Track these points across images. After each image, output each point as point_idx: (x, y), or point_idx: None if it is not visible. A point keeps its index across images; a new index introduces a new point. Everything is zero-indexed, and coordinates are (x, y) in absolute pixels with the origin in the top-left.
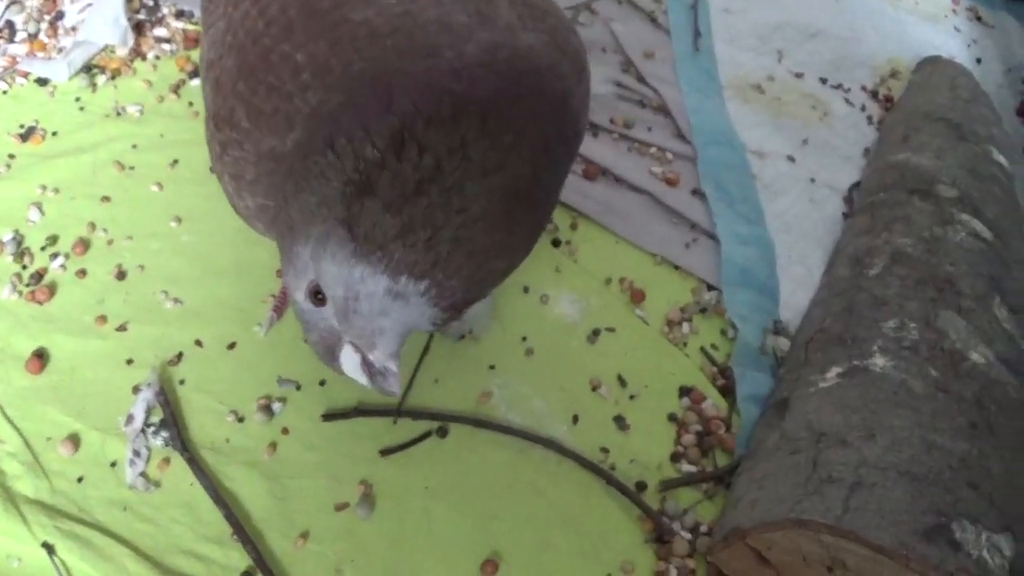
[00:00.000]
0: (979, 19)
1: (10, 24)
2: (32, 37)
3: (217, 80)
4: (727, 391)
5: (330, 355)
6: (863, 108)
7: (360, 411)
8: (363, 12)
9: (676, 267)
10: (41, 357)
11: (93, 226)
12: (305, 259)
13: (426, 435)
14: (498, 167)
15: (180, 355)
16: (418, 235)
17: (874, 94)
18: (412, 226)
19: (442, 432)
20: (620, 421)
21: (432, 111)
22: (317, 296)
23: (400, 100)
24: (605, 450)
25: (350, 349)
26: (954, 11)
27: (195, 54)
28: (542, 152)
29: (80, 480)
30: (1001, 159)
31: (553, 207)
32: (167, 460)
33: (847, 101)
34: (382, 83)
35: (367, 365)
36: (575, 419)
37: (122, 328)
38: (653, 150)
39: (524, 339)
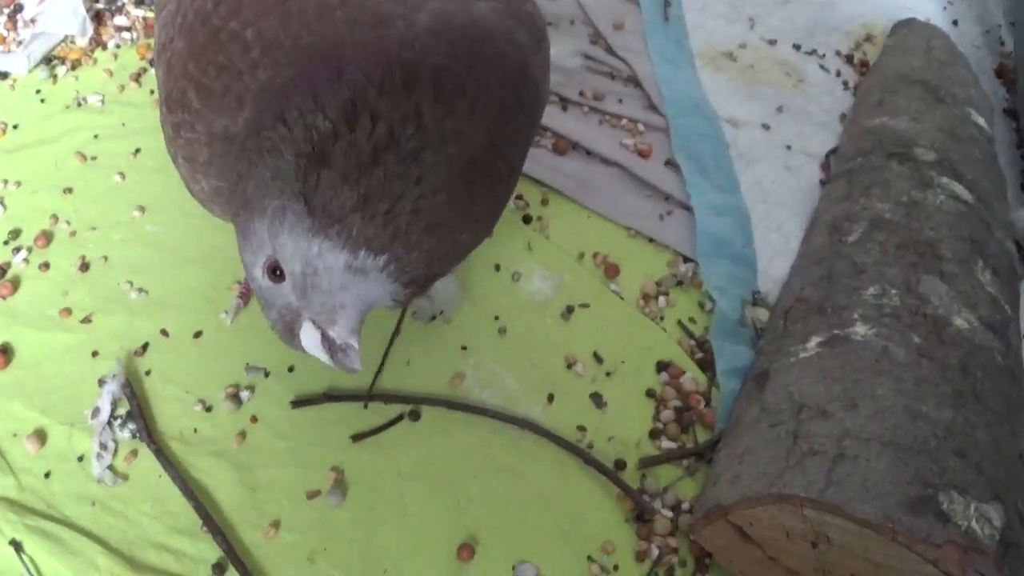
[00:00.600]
0: None
1: None
2: None
3: (168, 62)
4: (706, 365)
5: (290, 333)
6: (838, 74)
7: (330, 396)
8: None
9: (651, 240)
10: (5, 352)
11: (56, 218)
12: (262, 235)
13: (398, 419)
14: (454, 135)
15: (146, 345)
16: (376, 207)
17: (849, 59)
18: (370, 197)
19: (414, 415)
20: (597, 398)
21: (384, 79)
22: (275, 273)
23: (350, 70)
24: (582, 428)
25: (310, 326)
26: None
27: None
28: (500, 120)
29: (47, 475)
30: (980, 120)
31: (516, 179)
32: (135, 452)
33: (822, 67)
34: (332, 55)
35: (327, 342)
36: (551, 398)
37: (87, 320)
38: (624, 122)
39: (497, 318)
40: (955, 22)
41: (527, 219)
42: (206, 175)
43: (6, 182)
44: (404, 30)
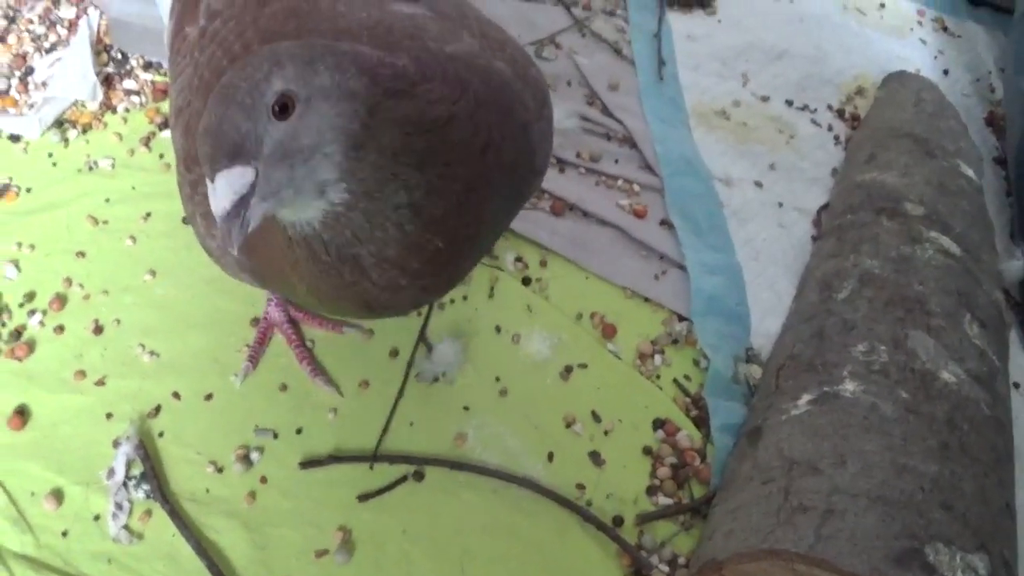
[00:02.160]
0: (945, 29)
1: None
2: (3, 94)
3: (187, 124)
4: (701, 422)
5: (225, 158)
6: (830, 128)
7: (336, 458)
8: (323, 33)
9: (646, 299)
10: (22, 414)
11: (69, 281)
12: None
13: (403, 479)
14: (466, 158)
15: (158, 408)
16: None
17: (840, 113)
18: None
19: (418, 475)
20: (595, 456)
21: (433, 72)
22: (284, 108)
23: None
24: (581, 486)
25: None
26: (919, 23)
27: (164, 106)
28: (503, 170)
29: (64, 534)
30: (969, 172)
31: (493, 241)
32: (149, 512)
33: (813, 122)
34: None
35: (240, 207)
36: (550, 456)
37: (100, 382)
38: (620, 182)
39: (498, 379)
40: (945, 71)
41: (526, 281)
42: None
43: (20, 245)
44: (437, 51)
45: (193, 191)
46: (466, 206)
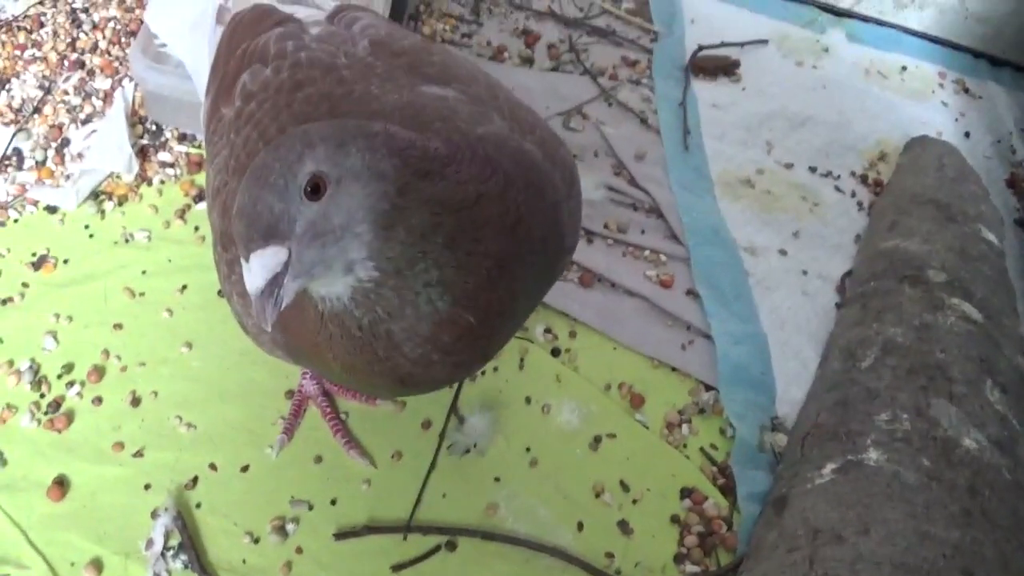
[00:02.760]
0: (966, 91)
1: (18, 152)
2: (40, 164)
3: (224, 203)
4: (728, 490)
5: (260, 238)
6: (853, 194)
7: (371, 529)
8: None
9: (673, 369)
10: (62, 484)
11: (107, 353)
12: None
13: (435, 549)
14: (497, 235)
15: (195, 479)
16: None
17: (863, 179)
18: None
19: (451, 546)
20: (624, 525)
21: (462, 153)
22: (315, 189)
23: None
24: (610, 555)
25: (275, 256)
26: (941, 85)
27: (199, 178)
28: (534, 246)
29: None
30: (990, 236)
31: (526, 316)
32: None
33: (837, 188)
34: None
35: (274, 284)
36: (580, 526)
37: (139, 454)
38: (647, 253)
39: (528, 450)
40: (967, 133)
41: (556, 352)
42: None
43: (58, 316)
44: (468, 133)
45: (230, 270)
46: (498, 282)
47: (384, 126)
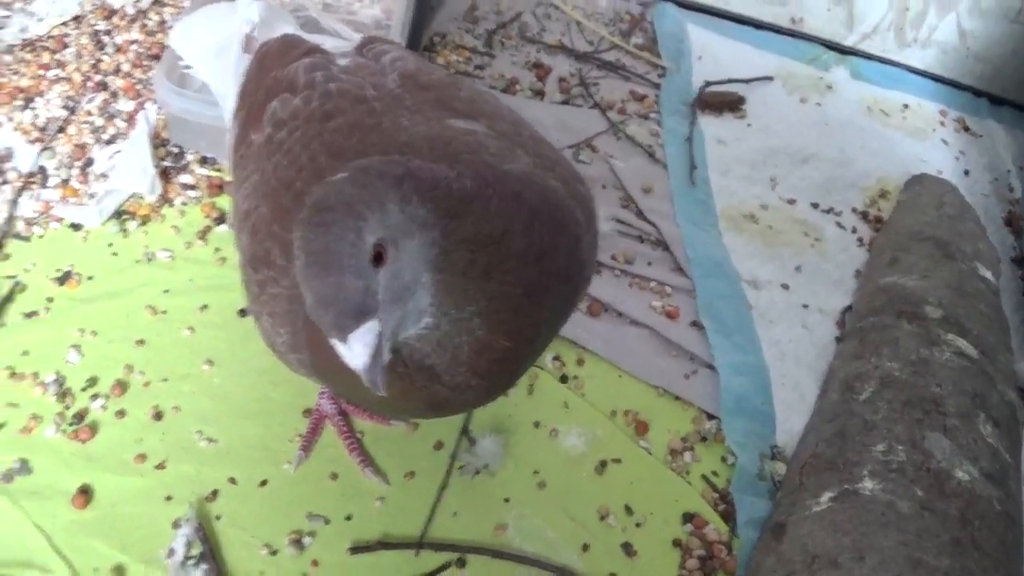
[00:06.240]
0: (967, 129)
1: (43, 169)
2: (64, 183)
3: (254, 226)
4: (728, 516)
5: (342, 323)
6: (854, 230)
7: (384, 544)
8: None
9: (677, 398)
10: (86, 493)
11: (130, 368)
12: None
13: (446, 566)
14: (525, 267)
15: (215, 492)
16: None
17: (864, 216)
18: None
19: (461, 563)
20: (627, 548)
21: (490, 188)
22: (378, 257)
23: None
24: None
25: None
26: (942, 123)
27: (219, 200)
28: (558, 277)
29: None
30: (987, 274)
31: (548, 341)
32: None
33: (838, 224)
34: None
35: (379, 352)
36: (585, 547)
37: (161, 466)
38: (653, 284)
39: (536, 472)
40: (966, 172)
41: (564, 378)
42: (284, 324)
43: (83, 331)
44: (495, 167)
45: (260, 290)
46: (527, 309)
47: (406, 166)
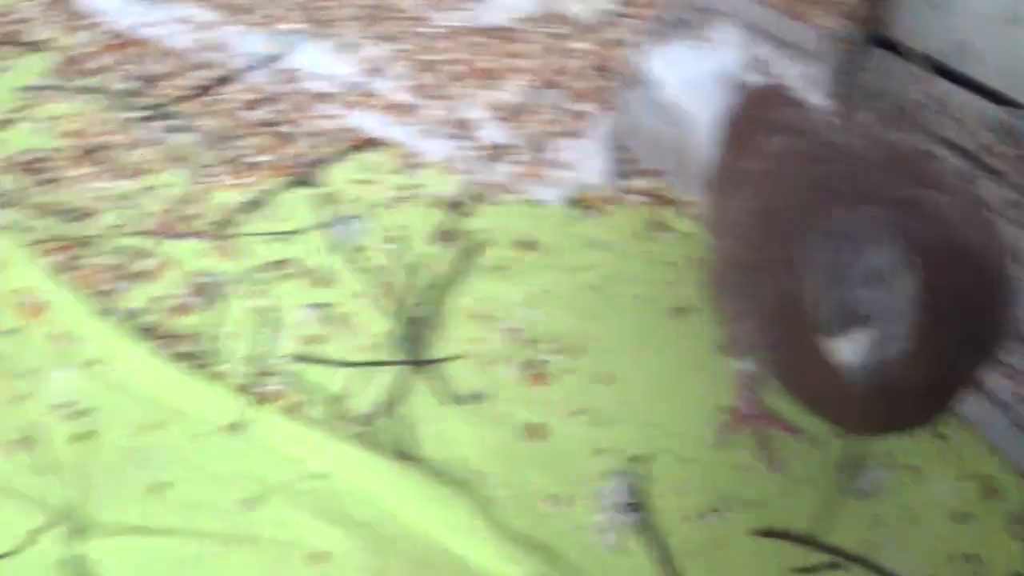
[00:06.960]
0: None
1: (508, 145)
2: (526, 162)
3: (739, 234)
4: None
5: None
6: None
7: (785, 535)
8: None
9: None
10: (538, 430)
11: (583, 335)
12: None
13: (833, 566)
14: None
15: (649, 456)
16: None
17: None
18: None
19: (839, 567)
20: None
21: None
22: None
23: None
24: None
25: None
26: None
27: (662, 211)
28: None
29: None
30: None
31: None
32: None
33: None
34: None
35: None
36: None
37: (603, 423)
38: None
39: (908, 508)
40: None
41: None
42: (751, 321)
43: (534, 294)
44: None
45: (737, 292)
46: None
47: (903, 223)
